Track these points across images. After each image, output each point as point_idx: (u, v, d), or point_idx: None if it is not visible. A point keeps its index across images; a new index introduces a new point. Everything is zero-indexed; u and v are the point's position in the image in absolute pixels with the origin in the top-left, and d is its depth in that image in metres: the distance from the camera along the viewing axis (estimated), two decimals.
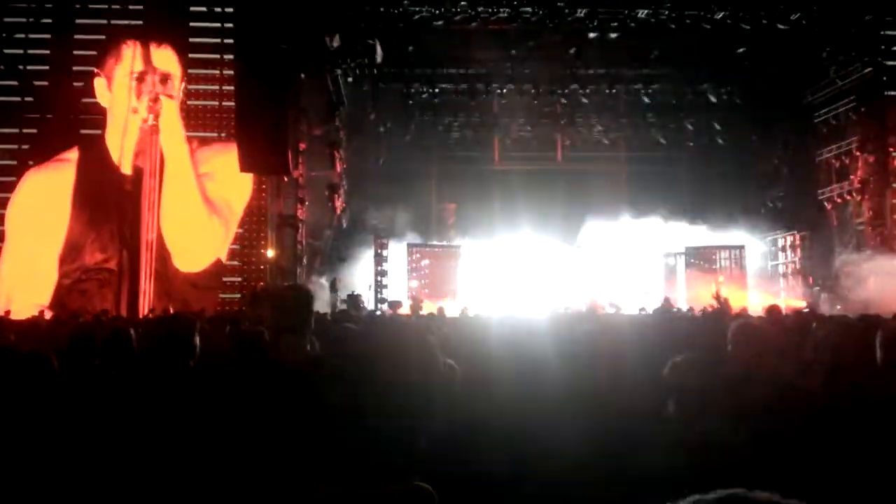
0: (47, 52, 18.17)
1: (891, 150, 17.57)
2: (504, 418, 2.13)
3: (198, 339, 2.91)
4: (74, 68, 18.03)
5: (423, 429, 1.49)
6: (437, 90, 20.85)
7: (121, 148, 17.66)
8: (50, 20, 18.13)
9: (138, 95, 17.63)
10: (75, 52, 18.07)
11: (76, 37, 18.10)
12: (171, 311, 13.25)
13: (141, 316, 14.82)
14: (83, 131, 17.82)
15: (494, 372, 2.92)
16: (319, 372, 2.28)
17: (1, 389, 3.07)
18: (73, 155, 17.63)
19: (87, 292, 16.83)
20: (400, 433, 1.45)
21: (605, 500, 2.10)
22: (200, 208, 17.38)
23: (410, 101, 21.26)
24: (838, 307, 16.75)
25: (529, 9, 16.68)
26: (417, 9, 16.82)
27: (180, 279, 17.27)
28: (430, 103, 21.40)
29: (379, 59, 18.91)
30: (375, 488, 1.40)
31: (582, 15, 16.84)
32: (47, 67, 18.15)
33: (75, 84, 17.95)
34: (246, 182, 17.51)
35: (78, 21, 18.13)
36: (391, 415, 1.43)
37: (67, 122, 17.80)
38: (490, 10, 16.77)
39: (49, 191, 17.35)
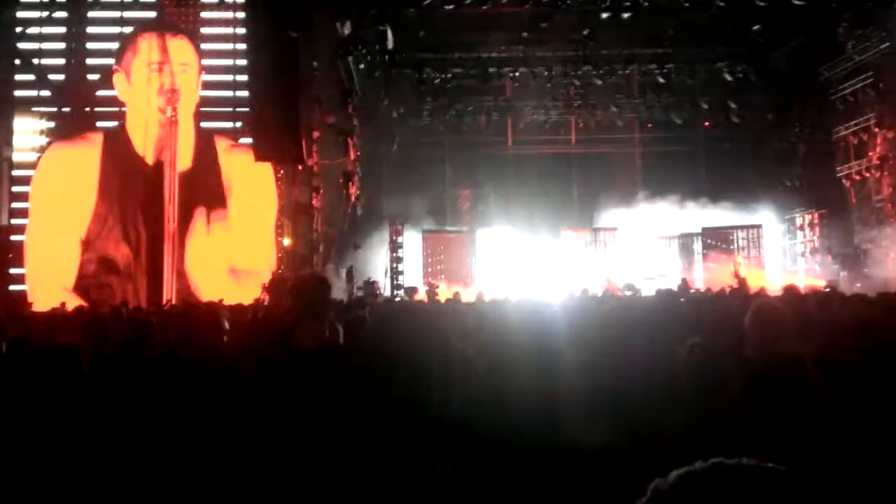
0: (62, 45, 18.32)
1: None
2: (523, 402, 2.15)
3: (227, 325, 2.96)
4: (89, 61, 18.17)
5: (442, 412, 1.53)
6: (449, 75, 20.79)
7: (143, 141, 17.78)
8: (64, 13, 18.26)
9: (158, 88, 17.73)
10: (90, 46, 18.21)
11: (90, 30, 18.22)
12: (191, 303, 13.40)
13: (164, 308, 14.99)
14: (100, 124, 17.99)
15: (513, 357, 2.95)
16: (338, 357, 2.33)
17: (24, 385, 3.13)
18: (97, 136, 17.74)
19: (108, 283, 17.01)
20: (417, 416, 1.48)
21: (622, 478, 2.12)
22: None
23: (423, 87, 21.21)
24: (858, 285, 16.62)
25: None
26: None
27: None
28: (442, 88, 21.35)
29: (390, 45, 18.89)
30: (399, 472, 1.44)
31: None
32: (63, 61, 18.30)
33: (91, 77, 18.09)
34: (268, 185, 17.55)
35: (91, 14, 18.25)
36: (410, 401, 1.46)
37: (84, 115, 17.95)
38: None
39: (75, 165, 17.41)
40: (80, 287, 16.83)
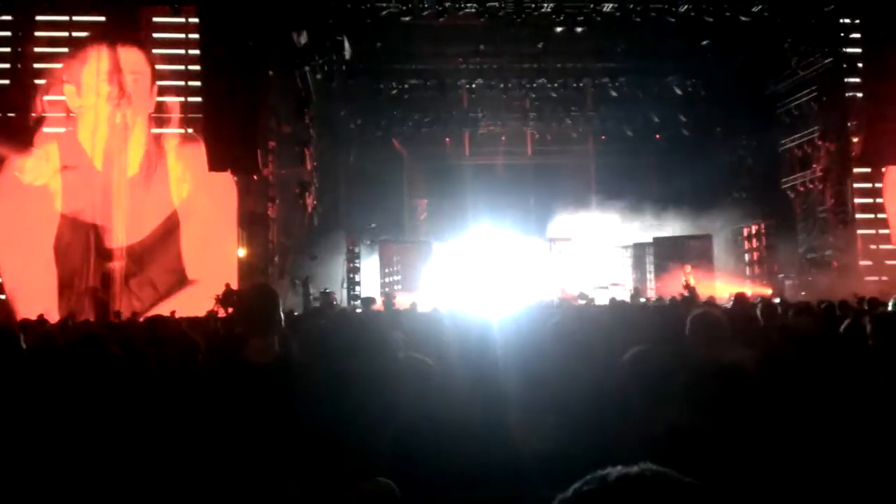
0: (7, 50, 17.87)
1: (851, 138, 17.96)
2: (468, 411, 2.19)
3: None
4: (36, 66, 17.75)
5: (386, 424, 1.55)
6: (406, 86, 20.85)
7: (92, 149, 17.48)
8: (10, 17, 17.82)
9: (107, 96, 17.45)
10: (37, 50, 17.78)
11: (38, 34, 17.80)
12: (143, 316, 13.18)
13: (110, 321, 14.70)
14: (46, 130, 17.57)
15: (461, 366, 2.98)
16: (285, 371, 2.32)
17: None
18: (53, 147, 17.45)
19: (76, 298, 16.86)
20: (364, 429, 1.50)
21: (565, 484, 2.16)
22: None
23: (380, 98, 21.23)
24: (803, 293, 17.13)
25: (496, 3, 16.75)
26: (385, 4, 16.80)
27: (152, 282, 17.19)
28: (399, 99, 21.39)
29: (347, 55, 18.86)
30: (341, 486, 1.46)
31: (549, 9, 16.96)
32: (8, 66, 17.86)
33: (37, 82, 17.67)
34: (221, 192, 17.42)
35: (39, 17, 17.82)
36: (354, 411, 1.48)
37: (29, 120, 17.53)
38: (457, 5, 16.81)
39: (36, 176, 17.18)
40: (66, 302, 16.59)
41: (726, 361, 3.20)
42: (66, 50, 17.73)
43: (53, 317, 14.07)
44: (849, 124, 17.95)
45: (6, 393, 3.04)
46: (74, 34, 17.82)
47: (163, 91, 17.97)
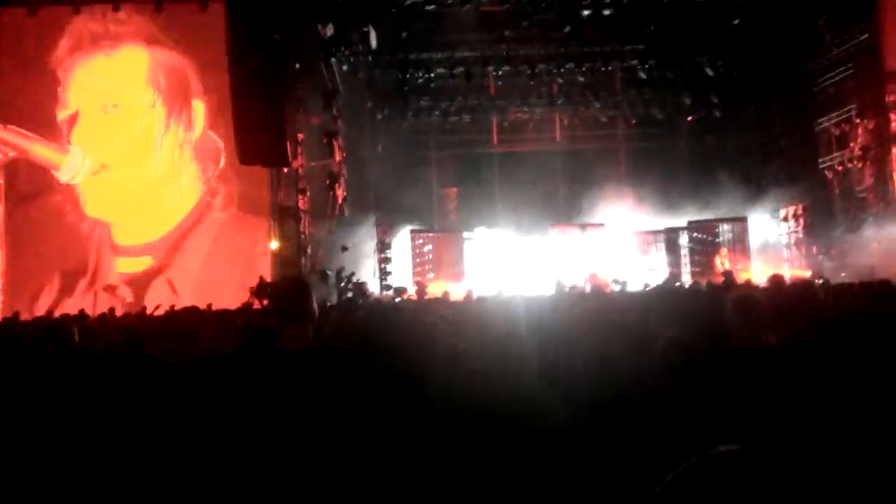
0: (42, 46, 18.04)
1: (889, 115, 17.50)
2: (504, 393, 2.17)
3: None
4: (70, 61, 17.89)
5: (425, 413, 1.54)
6: (432, 75, 20.80)
7: (121, 147, 17.68)
8: (43, 14, 18.02)
9: (140, 96, 17.66)
10: (70, 46, 17.92)
11: (72, 28, 17.93)
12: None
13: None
14: (78, 127, 17.77)
15: (499, 352, 2.96)
16: (321, 359, 2.33)
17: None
18: (87, 146, 17.63)
19: None
20: (402, 421, 1.50)
21: (599, 466, 2.15)
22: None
23: (406, 87, 21.22)
24: (843, 275, 16.78)
25: None
26: None
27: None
28: (426, 88, 21.36)
29: (373, 45, 18.87)
30: (388, 463, 1.45)
31: None
32: (42, 62, 18.06)
33: (70, 79, 17.85)
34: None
35: (72, 14, 18.00)
36: (393, 401, 1.48)
37: (63, 118, 17.73)
38: None
39: None
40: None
41: (764, 347, 3.14)
42: (100, 47, 17.90)
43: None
44: (887, 100, 17.48)
45: (64, 386, 3.11)
46: (111, 29, 17.93)
47: (191, 89, 18.10)
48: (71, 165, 17.47)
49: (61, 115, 17.59)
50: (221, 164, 17.75)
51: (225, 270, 17.26)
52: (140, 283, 17.19)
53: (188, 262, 17.49)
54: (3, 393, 3.13)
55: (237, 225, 17.85)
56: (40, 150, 17.48)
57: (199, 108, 17.91)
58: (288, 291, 2.74)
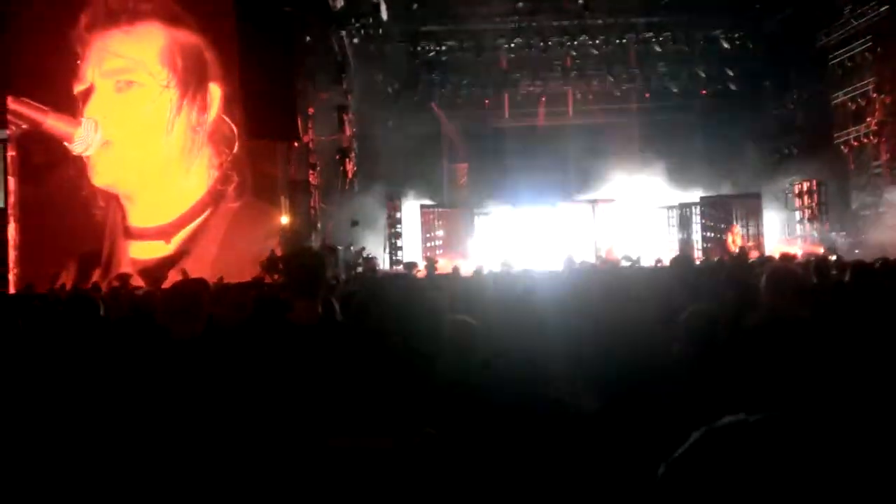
0: (60, 19, 17.88)
1: None
2: (516, 367, 2.15)
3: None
4: (88, 37, 17.74)
5: (431, 381, 1.52)
6: (443, 48, 20.61)
7: (135, 124, 17.53)
8: None
9: (156, 75, 17.48)
10: (89, 21, 17.77)
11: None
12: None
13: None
14: (92, 101, 17.71)
15: (509, 325, 2.94)
16: (332, 331, 2.32)
17: None
18: (99, 118, 17.58)
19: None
20: (409, 387, 1.48)
21: (614, 437, 2.13)
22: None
23: (417, 61, 21.03)
24: (857, 251, 16.63)
25: None
26: None
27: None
28: (437, 62, 21.17)
29: (384, 18, 18.68)
30: (386, 436, 1.44)
31: None
32: (60, 36, 17.91)
33: (87, 53, 17.72)
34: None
35: None
36: (399, 371, 1.46)
37: (78, 91, 17.61)
38: None
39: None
40: None
41: (795, 320, 3.09)
42: (118, 23, 17.69)
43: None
44: None
45: (89, 358, 3.13)
46: (131, 5, 17.70)
47: (208, 72, 17.85)
48: (83, 137, 17.40)
49: (77, 89, 17.45)
50: (235, 150, 17.52)
51: (239, 260, 17.06)
52: (154, 274, 17.05)
53: (203, 250, 17.31)
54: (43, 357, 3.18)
55: (252, 213, 17.62)
56: (53, 122, 17.40)
57: (215, 91, 17.51)
58: (301, 263, 2.72)
